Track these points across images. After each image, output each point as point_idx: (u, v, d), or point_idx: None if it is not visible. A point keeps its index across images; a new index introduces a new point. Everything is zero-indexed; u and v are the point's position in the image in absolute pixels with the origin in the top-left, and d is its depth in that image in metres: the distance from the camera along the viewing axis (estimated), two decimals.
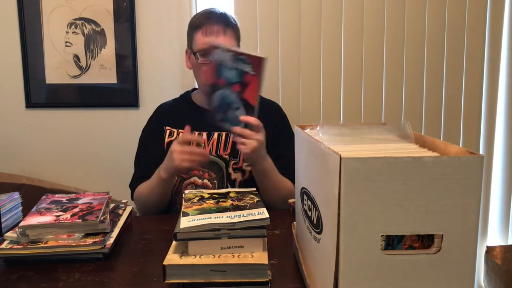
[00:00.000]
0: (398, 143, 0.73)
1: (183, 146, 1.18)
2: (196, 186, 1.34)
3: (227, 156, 1.35)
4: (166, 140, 1.39)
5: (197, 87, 1.49)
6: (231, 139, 1.36)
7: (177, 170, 1.22)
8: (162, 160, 1.36)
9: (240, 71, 1.13)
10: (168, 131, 1.40)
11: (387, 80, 1.87)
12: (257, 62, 1.12)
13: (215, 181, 1.33)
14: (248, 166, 1.34)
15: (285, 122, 1.48)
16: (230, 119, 1.18)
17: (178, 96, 1.55)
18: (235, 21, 1.38)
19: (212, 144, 1.36)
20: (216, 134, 1.37)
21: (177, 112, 1.45)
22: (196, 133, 1.33)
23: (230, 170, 1.34)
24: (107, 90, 1.83)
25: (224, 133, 1.37)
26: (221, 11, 1.37)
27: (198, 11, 1.80)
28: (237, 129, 1.16)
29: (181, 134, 1.37)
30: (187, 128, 1.26)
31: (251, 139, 1.16)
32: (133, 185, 1.41)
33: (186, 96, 1.50)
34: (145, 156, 1.44)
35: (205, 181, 1.33)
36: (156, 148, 1.39)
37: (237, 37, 1.37)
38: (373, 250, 0.57)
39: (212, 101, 1.17)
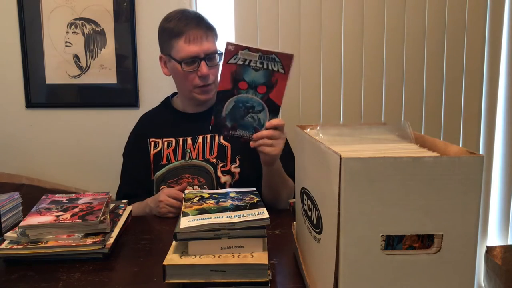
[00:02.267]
0: (398, 143, 0.73)
1: (171, 201, 1.21)
2: None
3: (214, 160, 1.34)
4: (152, 152, 1.37)
5: (176, 91, 1.47)
6: (216, 142, 1.36)
7: (160, 215, 1.24)
8: (148, 174, 1.37)
9: (269, 71, 1.10)
10: (152, 143, 1.38)
11: (387, 80, 1.87)
12: (286, 60, 1.09)
13: (205, 186, 1.33)
14: (237, 167, 1.33)
15: None
16: (247, 124, 1.14)
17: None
18: (210, 22, 1.35)
19: (198, 149, 1.35)
20: (200, 138, 1.36)
21: (159, 121, 1.45)
22: (189, 188, 1.31)
23: (219, 174, 1.33)
24: (107, 90, 1.83)
25: (208, 136, 1.36)
26: (195, 13, 1.35)
27: (198, 11, 1.80)
28: (265, 133, 1.14)
29: (166, 142, 1.37)
30: (184, 184, 1.28)
31: (279, 140, 1.16)
32: (119, 198, 1.41)
33: (167, 102, 1.49)
34: (130, 173, 1.44)
35: (195, 187, 1.33)
36: (140, 165, 1.39)
37: (216, 38, 1.35)
38: (373, 250, 0.57)
39: (223, 109, 1.12)
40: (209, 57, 1.30)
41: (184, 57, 1.29)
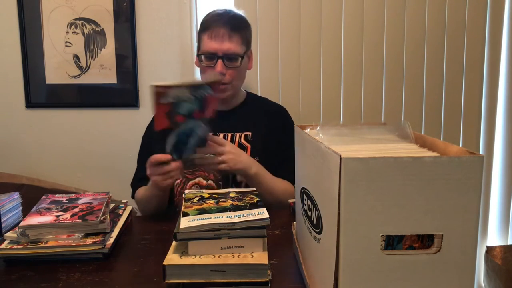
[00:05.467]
0: (398, 143, 0.73)
1: (154, 169, 1.15)
2: (200, 186, 1.34)
3: None
4: None
5: None
6: (236, 141, 1.36)
7: (162, 188, 1.21)
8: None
9: (200, 98, 1.11)
10: None
11: (387, 80, 1.87)
12: (214, 84, 1.13)
13: (220, 182, 1.33)
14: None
15: (290, 126, 1.49)
16: (192, 146, 1.16)
17: None
18: (245, 24, 1.35)
19: None
20: (221, 135, 1.37)
21: None
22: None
23: None
24: (107, 90, 1.83)
25: (229, 135, 1.37)
26: (233, 13, 1.35)
27: (198, 11, 1.81)
28: (213, 148, 1.17)
29: None
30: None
31: (227, 154, 1.18)
32: (134, 185, 1.41)
33: None
34: (147, 156, 1.43)
35: (210, 182, 1.33)
36: (159, 148, 1.37)
37: (245, 42, 1.34)
38: (373, 250, 0.57)
39: (168, 144, 1.13)
40: (229, 57, 1.30)
41: (204, 52, 1.31)
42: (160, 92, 1.07)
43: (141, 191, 1.32)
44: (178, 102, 1.09)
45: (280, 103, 1.60)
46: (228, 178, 1.33)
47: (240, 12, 1.40)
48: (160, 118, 1.10)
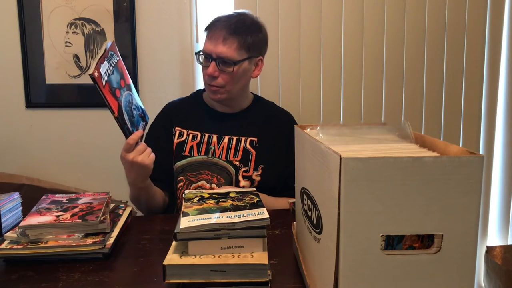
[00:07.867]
0: (398, 143, 0.73)
1: (130, 153, 1.14)
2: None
3: (237, 163, 1.34)
4: (175, 141, 1.37)
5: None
6: (242, 146, 1.35)
7: (141, 174, 1.18)
8: (170, 160, 1.36)
9: (115, 65, 1.14)
10: (177, 132, 1.38)
11: (387, 80, 1.87)
12: (113, 48, 1.16)
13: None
14: (258, 176, 1.34)
15: None
16: (136, 115, 1.19)
17: (180, 95, 1.54)
18: (251, 30, 1.30)
19: (222, 148, 1.35)
20: (226, 138, 1.36)
21: (187, 112, 1.43)
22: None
23: (240, 177, 1.33)
24: None
25: (234, 138, 1.36)
26: (242, 17, 1.31)
27: (198, 11, 1.81)
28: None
29: (191, 134, 1.37)
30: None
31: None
32: None
33: (198, 96, 1.48)
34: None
35: (213, 185, 1.32)
36: (163, 148, 1.36)
37: (245, 47, 1.29)
38: (373, 250, 0.57)
39: (127, 123, 1.13)
40: (222, 60, 1.27)
41: (201, 51, 1.31)
42: (98, 76, 1.05)
43: (130, 196, 1.30)
44: (109, 77, 1.10)
45: (280, 103, 1.60)
46: (232, 183, 1.33)
47: (254, 16, 1.35)
48: (111, 101, 1.09)
